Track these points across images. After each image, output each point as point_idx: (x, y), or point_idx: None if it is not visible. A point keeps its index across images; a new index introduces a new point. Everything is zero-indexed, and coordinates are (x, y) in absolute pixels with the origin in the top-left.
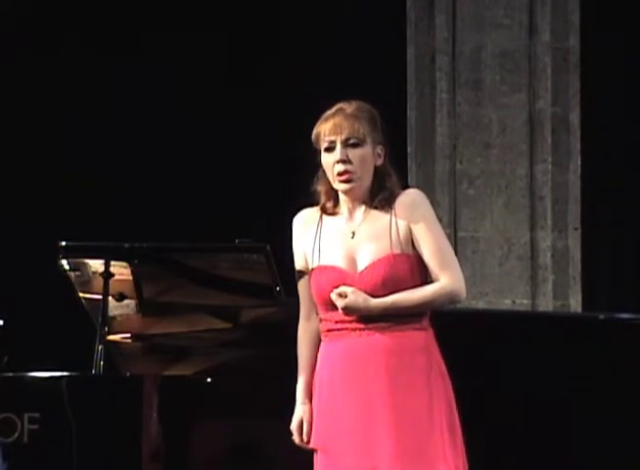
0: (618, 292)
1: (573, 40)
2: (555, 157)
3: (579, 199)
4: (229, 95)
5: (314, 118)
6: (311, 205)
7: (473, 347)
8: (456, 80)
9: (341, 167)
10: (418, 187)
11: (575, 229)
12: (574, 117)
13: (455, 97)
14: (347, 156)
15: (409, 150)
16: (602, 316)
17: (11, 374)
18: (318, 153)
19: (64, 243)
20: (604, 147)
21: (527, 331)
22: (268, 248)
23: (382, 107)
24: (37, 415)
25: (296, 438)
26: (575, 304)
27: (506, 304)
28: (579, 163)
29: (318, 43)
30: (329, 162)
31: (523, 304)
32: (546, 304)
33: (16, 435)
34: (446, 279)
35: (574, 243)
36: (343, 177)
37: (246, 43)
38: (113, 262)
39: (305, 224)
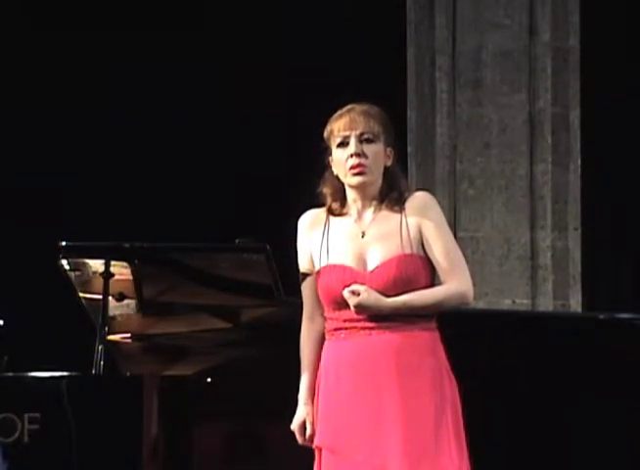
0: (618, 292)
1: (573, 40)
2: (555, 157)
3: (579, 199)
4: (229, 95)
5: (315, 119)
6: (314, 205)
7: (472, 346)
8: (456, 80)
9: (354, 161)
10: (422, 188)
11: (575, 229)
12: (574, 117)
13: (455, 97)
14: (362, 149)
15: (409, 150)
16: (602, 316)
17: (11, 374)
18: (326, 153)
19: (64, 243)
20: (604, 147)
21: (527, 331)
22: (268, 248)
23: (382, 107)
24: (37, 415)
25: (298, 438)
26: (575, 304)
27: (506, 304)
28: (579, 163)
29: (318, 43)
30: (342, 157)
31: (523, 304)
32: (546, 304)
33: (16, 435)
34: (456, 281)
35: (574, 243)
36: (357, 170)
37: (245, 43)
38: (113, 262)
39: (311, 225)
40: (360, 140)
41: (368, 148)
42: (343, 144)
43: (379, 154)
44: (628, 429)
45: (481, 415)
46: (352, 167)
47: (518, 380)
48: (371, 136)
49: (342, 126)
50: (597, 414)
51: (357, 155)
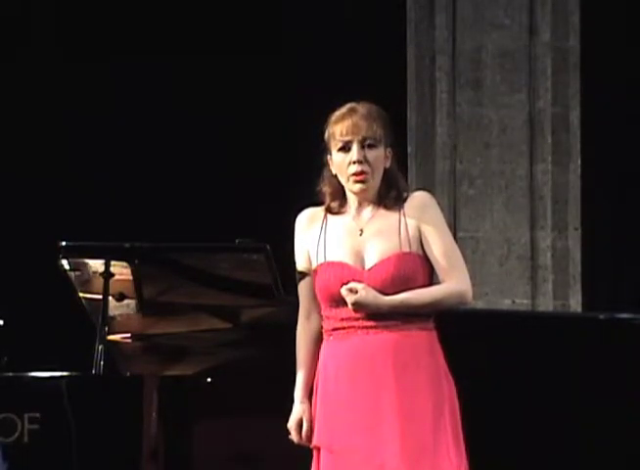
0: (618, 292)
1: (573, 40)
2: (555, 157)
3: (579, 199)
4: (229, 95)
5: (314, 118)
6: (313, 204)
7: (472, 346)
8: (456, 80)
9: (357, 168)
10: (421, 188)
11: (575, 229)
12: (574, 117)
13: (455, 97)
14: (365, 156)
15: (409, 150)
16: (602, 316)
17: (11, 374)
18: (325, 152)
19: (64, 243)
20: (604, 147)
21: (527, 331)
22: (268, 248)
23: (382, 107)
24: (37, 415)
25: (294, 436)
26: (575, 304)
27: (506, 304)
28: (579, 163)
29: (318, 43)
30: (343, 161)
31: (523, 304)
32: (546, 304)
33: (16, 435)
34: (455, 281)
35: (574, 243)
36: (359, 178)
37: (246, 42)
38: (113, 262)
39: (309, 222)
40: (362, 146)
41: (370, 153)
42: (345, 148)
43: (380, 158)
44: (628, 429)
45: (481, 415)
46: (355, 175)
47: (517, 380)
48: (373, 142)
49: (344, 131)
50: (597, 414)
51: (360, 162)
